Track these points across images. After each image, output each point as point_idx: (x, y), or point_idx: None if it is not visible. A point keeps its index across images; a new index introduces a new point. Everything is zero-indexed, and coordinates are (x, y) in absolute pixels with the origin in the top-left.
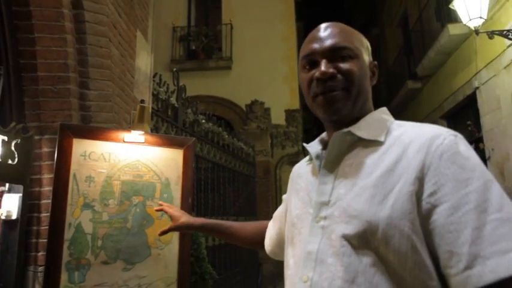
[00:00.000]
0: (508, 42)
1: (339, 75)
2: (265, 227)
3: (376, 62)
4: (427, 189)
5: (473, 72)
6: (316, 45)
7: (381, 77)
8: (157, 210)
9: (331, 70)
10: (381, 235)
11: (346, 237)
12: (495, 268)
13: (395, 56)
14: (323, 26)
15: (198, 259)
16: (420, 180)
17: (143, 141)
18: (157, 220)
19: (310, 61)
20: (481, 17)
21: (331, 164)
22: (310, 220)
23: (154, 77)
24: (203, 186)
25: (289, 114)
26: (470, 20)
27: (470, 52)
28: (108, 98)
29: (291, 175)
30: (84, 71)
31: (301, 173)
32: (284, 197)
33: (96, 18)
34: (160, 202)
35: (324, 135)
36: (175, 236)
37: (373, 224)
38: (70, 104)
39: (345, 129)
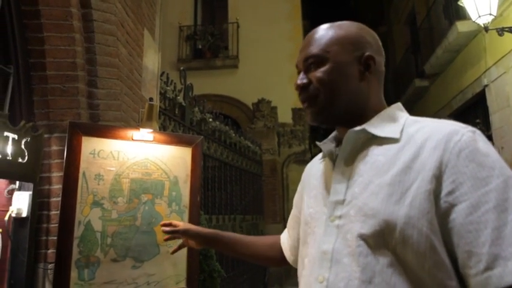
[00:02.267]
0: None
1: (311, 86)
2: (278, 241)
3: (368, 53)
4: (445, 188)
5: (482, 69)
6: (298, 57)
7: (387, 75)
8: (166, 240)
9: (299, 82)
10: (399, 234)
11: (363, 237)
12: None
13: (402, 54)
14: (309, 34)
15: (207, 257)
16: (438, 178)
17: (152, 139)
18: (166, 218)
19: (298, 72)
20: (490, 14)
21: (345, 162)
22: (324, 219)
23: (161, 75)
24: (210, 185)
25: (296, 112)
26: (480, 17)
27: (480, 49)
28: (116, 96)
29: (303, 175)
30: (93, 69)
31: (314, 171)
32: (295, 199)
33: (104, 16)
34: (162, 224)
35: (335, 133)
36: None
37: (390, 223)
38: (78, 102)
39: (359, 127)
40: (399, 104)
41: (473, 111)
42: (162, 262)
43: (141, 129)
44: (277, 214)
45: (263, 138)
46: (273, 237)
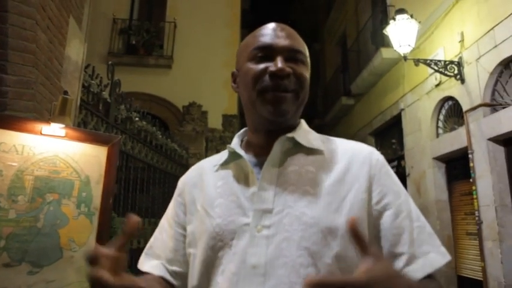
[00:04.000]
0: (430, 70)
1: (291, 77)
2: (155, 278)
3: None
4: (374, 198)
5: (400, 94)
6: (274, 40)
7: (318, 91)
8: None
9: (288, 69)
10: (340, 242)
11: (304, 246)
12: (423, 266)
13: (333, 72)
14: (276, 24)
15: None
16: (368, 189)
17: (64, 135)
18: (73, 220)
19: (264, 54)
20: (409, 45)
21: (271, 169)
22: (247, 230)
23: (86, 68)
24: (132, 187)
25: (226, 119)
26: (400, 46)
27: (399, 76)
28: (30, 85)
29: (184, 185)
30: (3, 53)
31: (209, 179)
32: (172, 214)
33: None
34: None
35: (239, 137)
36: (91, 237)
37: (332, 231)
38: None
39: (289, 135)
40: (304, 121)
41: (391, 131)
42: (64, 267)
43: (52, 124)
44: None
45: (191, 142)
46: (145, 278)
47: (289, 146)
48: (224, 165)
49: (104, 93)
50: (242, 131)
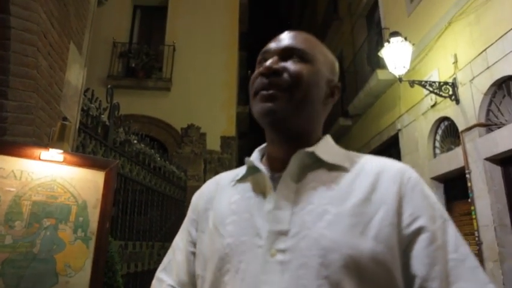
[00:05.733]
0: (425, 91)
1: (285, 75)
2: None
3: (339, 84)
4: (405, 220)
5: (396, 115)
6: (273, 44)
7: None
8: None
9: (275, 66)
10: (363, 270)
11: (323, 275)
12: None
13: None
14: (290, 31)
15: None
16: (398, 210)
17: (62, 160)
18: (70, 245)
19: (264, 58)
20: (404, 67)
21: (288, 186)
22: (259, 253)
23: (86, 91)
24: (130, 209)
25: (225, 141)
26: (396, 68)
27: (395, 97)
28: (30, 110)
29: (198, 200)
30: (4, 79)
31: (224, 195)
32: (185, 232)
33: (25, 25)
34: None
35: (259, 152)
36: (88, 262)
37: (355, 258)
38: None
39: (309, 149)
40: (330, 136)
41: (388, 152)
42: None
43: (51, 149)
44: None
45: (189, 164)
46: None
47: (310, 161)
48: (242, 179)
49: (102, 116)
50: (263, 145)
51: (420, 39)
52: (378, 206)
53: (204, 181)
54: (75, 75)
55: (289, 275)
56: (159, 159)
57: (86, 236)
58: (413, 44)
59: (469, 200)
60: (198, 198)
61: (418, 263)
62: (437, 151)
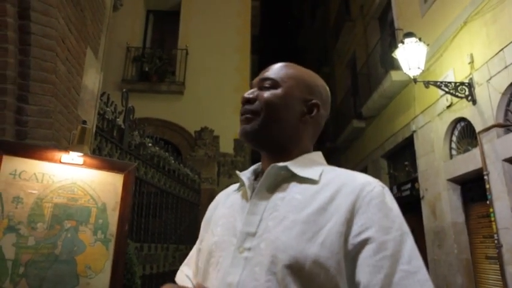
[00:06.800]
0: (441, 92)
1: (257, 102)
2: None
3: (316, 101)
4: (354, 231)
5: (411, 116)
6: (255, 79)
7: (329, 114)
8: None
9: (247, 95)
10: (307, 272)
11: (273, 272)
12: None
13: (343, 95)
14: (274, 64)
15: None
16: (349, 221)
17: (82, 163)
18: (90, 247)
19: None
20: (419, 67)
21: (262, 195)
22: (232, 250)
23: (102, 96)
24: (145, 212)
25: (238, 143)
26: (410, 69)
27: (410, 98)
28: (49, 114)
29: (212, 204)
30: (25, 84)
31: (226, 200)
32: (201, 230)
33: (44, 31)
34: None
35: (257, 166)
36: (107, 264)
37: (299, 260)
38: (4, 117)
39: (282, 163)
40: (320, 153)
41: (403, 153)
42: None
43: (71, 152)
44: None
45: (203, 167)
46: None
47: (286, 174)
48: (238, 189)
49: (118, 119)
50: None
51: (435, 40)
52: (330, 215)
53: (218, 184)
54: (92, 80)
55: (249, 269)
56: (173, 162)
57: (105, 238)
58: (427, 45)
59: (488, 202)
60: (210, 207)
61: (362, 271)
62: (454, 152)
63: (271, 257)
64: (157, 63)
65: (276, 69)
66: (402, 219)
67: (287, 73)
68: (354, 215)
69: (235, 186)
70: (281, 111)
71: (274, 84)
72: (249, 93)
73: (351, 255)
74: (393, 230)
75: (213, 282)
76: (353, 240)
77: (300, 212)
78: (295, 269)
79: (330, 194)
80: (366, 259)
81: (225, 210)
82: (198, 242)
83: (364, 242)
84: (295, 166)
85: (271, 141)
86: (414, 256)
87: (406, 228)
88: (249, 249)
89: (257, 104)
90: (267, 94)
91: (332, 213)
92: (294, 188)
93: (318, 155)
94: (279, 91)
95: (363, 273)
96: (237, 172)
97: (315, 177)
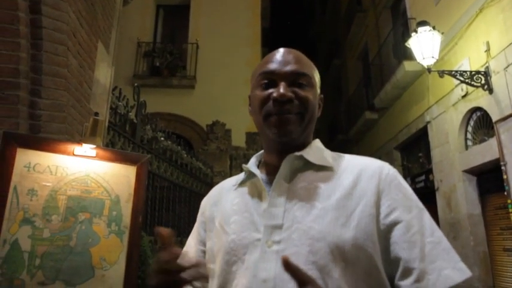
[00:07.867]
0: (456, 81)
1: (295, 100)
2: None
3: (322, 96)
4: (383, 211)
5: (425, 107)
6: (277, 66)
7: (341, 106)
8: None
9: (289, 94)
10: (348, 256)
11: (312, 261)
12: (435, 283)
13: (355, 86)
14: (284, 49)
15: (146, 281)
16: (377, 203)
17: (94, 155)
18: (104, 239)
19: (268, 80)
20: (433, 57)
21: (281, 187)
22: (258, 245)
23: (113, 90)
24: (158, 205)
25: (250, 136)
26: (424, 58)
27: (423, 88)
28: (62, 108)
29: (206, 204)
30: (37, 78)
31: (227, 197)
32: (195, 233)
33: (55, 25)
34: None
35: (255, 159)
36: (122, 256)
37: (339, 245)
38: (18, 111)
39: (297, 153)
40: (318, 139)
41: (417, 145)
42: (96, 286)
43: (84, 144)
44: None
45: (215, 161)
46: None
47: (300, 164)
48: (242, 184)
49: (130, 114)
50: (260, 152)
51: (449, 28)
52: (358, 199)
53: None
54: (104, 74)
55: None
56: (185, 155)
57: (119, 230)
58: (442, 33)
59: (505, 193)
60: (205, 203)
61: (399, 247)
62: (469, 143)
63: (308, 246)
64: (168, 57)
65: (304, 63)
66: (416, 197)
67: (313, 69)
68: (379, 197)
69: (232, 181)
70: (315, 111)
71: (310, 82)
72: (287, 91)
73: (383, 235)
74: (413, 208)
75: (241, 281)
76: (384, 220)
77: (327, 199)
78: (336, 254)
79: (352, 179)
80: (400, 237)
81: (233, 206)
82: (195, 242)
83: (394, 222)
84: (309, 155)
85: (302, 140)
86: (434, 228)
87: (421, 204)
88: (279, 242)
89: (297, 104)
90: (308, 94)
91: (359, 197)
92: (312, 176)
93: (320, 142)
94: (313, 91)
95: (401, 249)
96: (244, 165)
97: (330, 164)
